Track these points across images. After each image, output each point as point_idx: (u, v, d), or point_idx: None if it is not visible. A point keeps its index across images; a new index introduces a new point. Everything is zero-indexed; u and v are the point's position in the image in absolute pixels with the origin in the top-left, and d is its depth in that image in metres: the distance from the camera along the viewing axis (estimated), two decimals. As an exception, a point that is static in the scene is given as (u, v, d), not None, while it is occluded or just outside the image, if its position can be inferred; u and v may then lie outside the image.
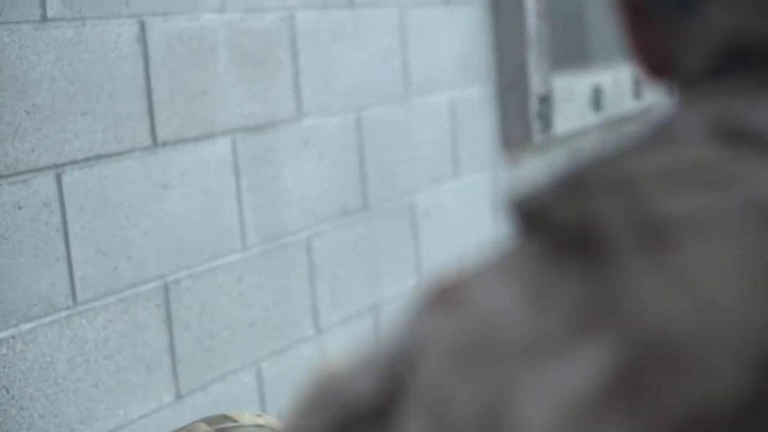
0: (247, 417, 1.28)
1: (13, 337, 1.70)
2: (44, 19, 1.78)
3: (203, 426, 1.25)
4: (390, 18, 2.72)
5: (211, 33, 2.13)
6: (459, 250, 3.02)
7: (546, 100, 3.34)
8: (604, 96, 3.82)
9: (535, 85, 3.27)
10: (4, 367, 1.69)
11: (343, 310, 2.52)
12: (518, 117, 3.26)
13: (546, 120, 3.34)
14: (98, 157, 1.87)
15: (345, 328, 2.53)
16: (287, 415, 0.64)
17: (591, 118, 3.70)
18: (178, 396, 2.01)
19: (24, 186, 1.73)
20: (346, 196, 2.54)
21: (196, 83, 2.10)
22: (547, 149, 3.56)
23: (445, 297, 0.60)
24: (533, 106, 3.26)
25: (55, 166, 1.79)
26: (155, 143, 2.00)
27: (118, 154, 1.91)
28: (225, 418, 1.26)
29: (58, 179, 1.79)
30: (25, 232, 1.73)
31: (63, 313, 1.80)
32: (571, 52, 4.62)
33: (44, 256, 1.76)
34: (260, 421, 1.29)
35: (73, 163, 1.82)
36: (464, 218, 3.05)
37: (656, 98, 4.37)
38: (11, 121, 1.71)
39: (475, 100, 3.11)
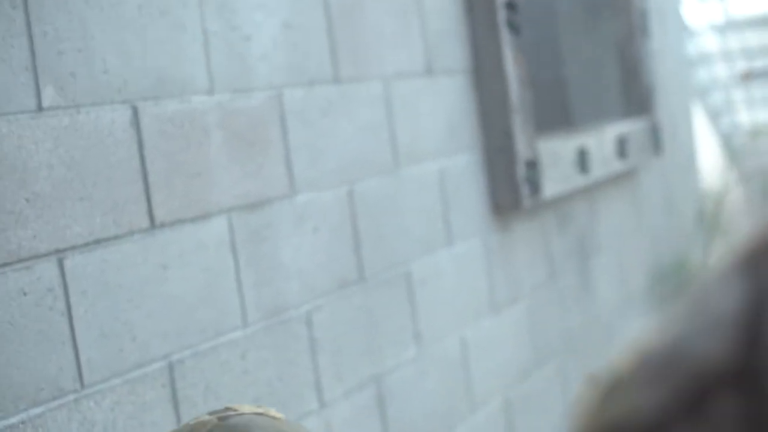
0: (247, 408, 1.34)
1: (22, 422, 1.72)
2: (40, 108, 1.81)
3: (206, 416, 1.30)
4: (375, 91, 2.77)
5: (202, 115, 2.18)
6: (455, 316, 3.04)
7: (533, 165, 3.38)
8: (589, 158, 3.87)
9: (522, 150, 3.32)
10: (16, 454, 1.70)
11: (345, 383, 2.54)
12: (507, 182, 3.30)
13: (534, 184, 3.38)
14: (98, 241, 1.90)
15: (348, 400, 2.54)
16: (582, 411, 0.63)
17: (578, 180, 3.75)
18: (188, 475, 2.02)
19: (27, 272, 1.75)
20: (342, 268, 2.56)
21: (191, 165, 2.13)
22: (536, 214, 3.60)
23: None
24: (521, 171, 3.30)
25: (57, 251, 1.81)
26: (153, 225, 2.03)
27: (117, 237, 1.94)
28: (227, 409, 1.31)
29: (60, 264, 1.82)
30: (30, 318, 1.75)
31: (71, 397, 1.81)
32: (554, 117, 4.68)
33: (50, 340, 1.78)
34: (259, 410, 1.34)
35: (73, 248, 1.85)
36: (459, 285, 3.08)
37: (640, 158, 4.42)
38: (12, 209, 1.74)
39: (463, 167, 3.16)
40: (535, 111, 4.17)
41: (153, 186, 2.03)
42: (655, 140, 4.61)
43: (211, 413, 1.32)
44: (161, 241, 2.04)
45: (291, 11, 2.47)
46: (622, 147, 4.22)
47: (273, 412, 1.34)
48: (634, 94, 4.62)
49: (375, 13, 2.81)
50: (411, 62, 2.96)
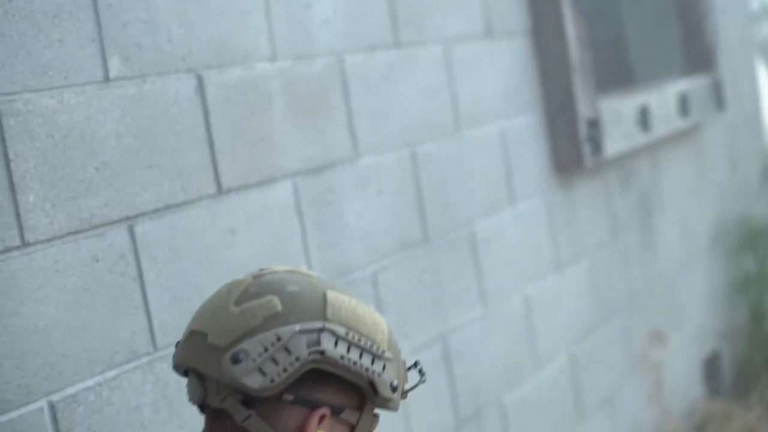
0: (280, 267, 1.44)
1: (99, 385, 1.77)
2: (107, 79, 1.86)
3: (243, 277, 1.41)
4: (435, 54, 2.78)
5: (265, 82, 2.21)
6: (519, 275, 3.07)
7: (594, 124, 3.39)
8: (650, 116, 3.85)
9: (583, 109, 3.32)
10: (93, 414, 1.76)
11: (412, 341, 2.58)
12: (568, 142, 3.30)
13: (596, 143, 3.38)
14: (167, 208, 1.95)
15: (415, 357, 2.58)
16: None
17: (640, 139, 3.74)
18: None
19: (99, 239, 1.80)
20: (406, 230, 2.60)
21: (255, 131, 2.17)
22: (598, 172, 3.60)
23: None
24: (582, 130, 3.31)
25: (128, 218, 1.86)
26: (220, 191, 2.07)
27: (185, 203, 1.99)
28: (262, 270, 1.43)
29: (131, 231, 1.87)
30: (103, 284, 1.80)
31: (144, 359, 1.86)
32: (615, 76, 4.66)
33: (123, 305, 1.83)
34: (291, 269, 1.43)
35: (143, 214, 1.89)
36: (522, 245, 3.10)
37: (702, 115, 4.39)
38: (83, 178, 1.79)
39: (523, 128, 3.17)
40: (595, 70, 4.16)
41: (219, 153, 2.07)
42: (718, 97, 4.58)
43: (248, 275, 1.41)
44: (228, 206, 2.09)
45: (350, -23, 2.49)
46: (684, 104, 4.20)
47: (304, 269, 1.43)
48: (696, 52, 4.59)
49: (433, -24, 2.83)
50: (471, 25, 2.97)
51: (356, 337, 1.39)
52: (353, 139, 2.45)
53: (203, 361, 1.36)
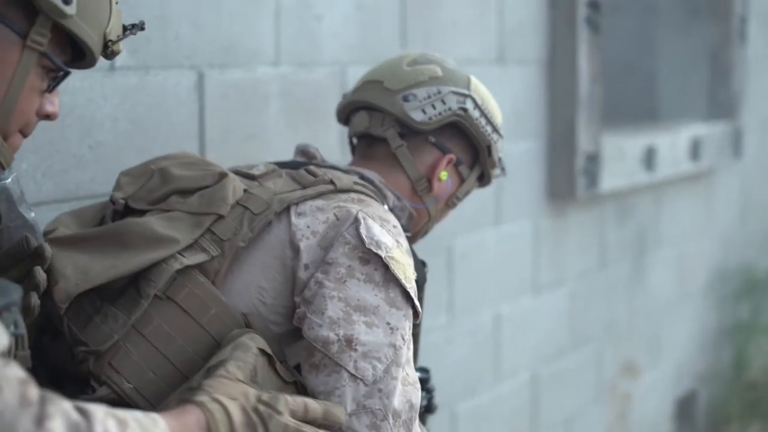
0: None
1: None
2: (113, 68, 2.06)
3: (414, 51, 2.06)
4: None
5: (264, 84, 2.40)
6: (494, 291, 3.24)
7: (594, 158, 3.54)
8: (656, 156, 4.00)
9: (583, 142, 3.48)
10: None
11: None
12: (564, 172, 3.47)
13: (592, 176, 3.54)
14: (151, 189, 2.14)
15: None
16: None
17: (642, 177, 3.89)
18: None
19: (82, 210, 2.00)
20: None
21: (248, 128, 2.36)
22: (594, 204, 3.76)
23: None
24: (580, 162, 3.47)
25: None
26: (205, 179, 2.25)
27: (170, 186, 2.18)
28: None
29: (113, 206, 2.06)
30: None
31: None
32: (639, 108, 4.80)
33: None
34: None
35: (128, 192, 2.09)
36: (502, 263, 3.27)
37: (716, 161, 4.52)
38: (75, 153, 1.99)
39: (523, 152, 3.33)
40: (616, 101, 4.31)
41: (209, 145, 2.26)
42: (736, 145, 4.70)
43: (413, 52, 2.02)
44: (211, 193, 2.27)
45: (365, -5, 2.67)
46: (695, 148, 4.34)
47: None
48: (720, 98, 4.71)
49: (452, 3, 2.99)
50: (483, 50, 3.14)
51: (486, 110, 1.91)
52: (343, 145, 2.62)
53: (379, 98, 1.89)
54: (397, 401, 1.55)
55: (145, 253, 1.55)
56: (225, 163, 2.30)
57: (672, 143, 4.15)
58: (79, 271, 1.53)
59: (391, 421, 1.53)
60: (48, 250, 1.51)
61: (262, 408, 1.40)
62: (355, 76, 2.65)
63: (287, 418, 1.41)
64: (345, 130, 2.65)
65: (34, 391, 1.07)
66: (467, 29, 3.06)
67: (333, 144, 2.59)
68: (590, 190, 3.54)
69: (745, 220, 5.09)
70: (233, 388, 1.40)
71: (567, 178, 3.48)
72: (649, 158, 3.96)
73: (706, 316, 4.73)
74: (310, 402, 1.47)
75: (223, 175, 1.68)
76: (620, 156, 3.75)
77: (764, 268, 5.15)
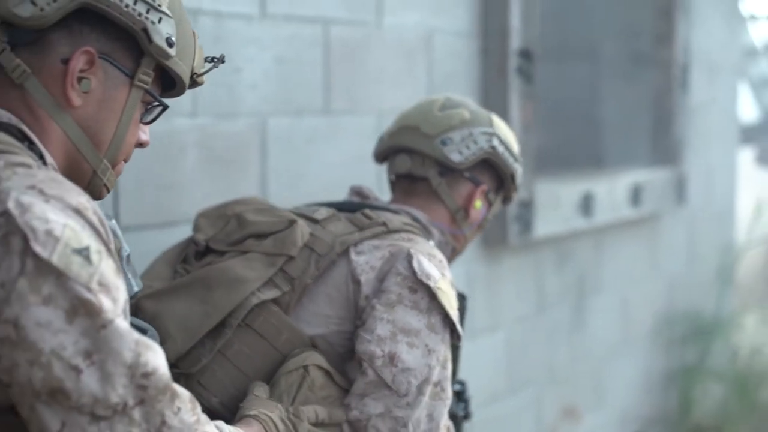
0: None
1: None
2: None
3: (440, 96, 2.31)
4: (368, 122, 3.00)
5: (181, 134, 2.44)
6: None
7: (527, 205, 3.60)
8: (594, 202, 4.06)
9: (516, 190, 3.53)
10: None
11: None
12: (497, 219, 3.51)
13: (525, 223, 3.59)
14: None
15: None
16: None
17: (579, 223, 3.95)
18: None
19: None
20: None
21: (164, 177, 2.40)
22: (530, 250, 3.80)
23: None
24: (512, 209, 3.52)
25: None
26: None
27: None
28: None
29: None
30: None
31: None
32: (582, 153, 4.86)
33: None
34: None
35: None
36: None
37: (658, 207, 4.58)
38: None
39: (455, 201, 3.37)
40: (546, 152, 4.37)
41: (122, 194, 2.30)
42: (680, 191, 4.77)
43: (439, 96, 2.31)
44: (126, 240, 2.31)
45: (287, 47, 2.72)
46: (636, 195, 4.40)
47: None
48: (662, 145, 4.79)
49: (380, 54, 3.04)
50: (412, 101, 3.19)
51: (508, 143, 2.20)
52: (264, 195, 2.67)
53: (418, 142, 2.16)
54: (419, 413, 1.82)
55: (228, 293, 1.85)
56: (140, 212, 2.35)
57: (610, 189, 4.21)
58: (180, 327, 1.82)
59: (410, 428, 1.81)
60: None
61: (292, 417, 1.74)
62: (276, 126, 2.70)
63: (307, 425, 1.75)
64: (261, 177, 2.71)
65: (198, 409, 1.36)
66: (395, 80, 3.11)
67: (253, 193, 2.63)
68: (524, 237, 3.59)
69: (691, 264, 5.15)
70: (266, 405, 1.73)
71: (500, 225, 3.52)
72: (587, 204, 4.01)
73: (653, 359, 4.77)
74: (319, 409, 1.79)
75: (292, 222, 1.95)
76: (555, 202, 3.80)
77: (711, 312, 5.21)
